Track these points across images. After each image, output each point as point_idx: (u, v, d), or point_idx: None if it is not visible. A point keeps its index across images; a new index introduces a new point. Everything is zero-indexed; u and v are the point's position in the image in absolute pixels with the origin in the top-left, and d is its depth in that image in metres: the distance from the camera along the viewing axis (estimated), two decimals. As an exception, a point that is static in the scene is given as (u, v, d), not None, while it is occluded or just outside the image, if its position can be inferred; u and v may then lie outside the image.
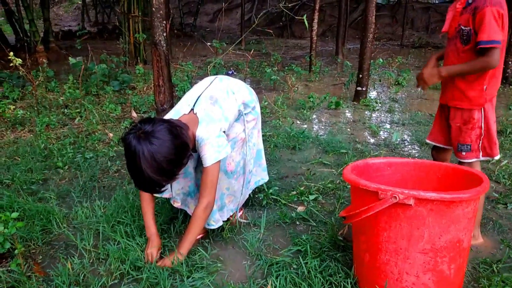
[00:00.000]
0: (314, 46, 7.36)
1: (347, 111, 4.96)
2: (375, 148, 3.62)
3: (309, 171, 3.07)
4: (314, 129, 4.24)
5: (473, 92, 1.93)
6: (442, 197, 1.51)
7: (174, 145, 1.66)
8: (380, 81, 6.68)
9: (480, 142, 1.99)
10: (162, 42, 3.40)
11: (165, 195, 2.12)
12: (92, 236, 2.09)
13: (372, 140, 3.86)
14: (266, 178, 2.48)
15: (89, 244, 2.02)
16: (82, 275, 1.81)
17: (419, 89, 2.05)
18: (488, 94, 1.94)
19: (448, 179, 1.95)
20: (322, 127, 4.31)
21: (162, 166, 1.63)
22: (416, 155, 3.48)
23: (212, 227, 2.09)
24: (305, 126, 4.30)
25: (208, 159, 1.85)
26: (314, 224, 2.35)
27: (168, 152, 1.64)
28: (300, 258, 1.92)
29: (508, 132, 3.99)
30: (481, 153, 2.02)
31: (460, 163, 2.07)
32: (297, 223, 2.37)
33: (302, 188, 2.76)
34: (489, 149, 2.01)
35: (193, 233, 1.91)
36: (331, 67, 8.20)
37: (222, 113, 1.96)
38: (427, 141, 2.28)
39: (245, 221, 2.33)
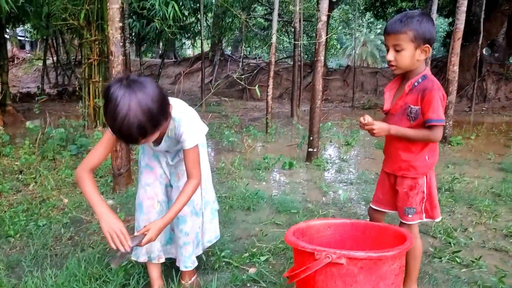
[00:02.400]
0: (269, 109, 7.79)
1: (300, 171, 5.22)
2: (324, 207, 3.84)
3: (262, 232, 3.20)
4: (269, 189, 4.43)
5: (418, 163, 2.14)
6: (369, 256, 1.70)
7: (160, 90, 1.71)
8: (331, 141, 7.11)
9: (423, 205, 2.18)
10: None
11: (140, 259, 2.24)
12: (42, 307, 2.09)
13: (322, 199, 4.09)
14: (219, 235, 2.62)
15: (37, 316, 2.02)
16: None
17: (361, 128, 2.24)
18: (430, 164, 2.17)
19: (381, 238, 2.16)
20: (276, 187, 4.52)
21: (151, 108, 1.63)
22: (362, 213, 3.72)
23: (190, 269, 2.28)
24: (260, 186, 4.49)
25: (189, 139, 1.98)
26: (264, 285, 2.45)
27: (157, 96, 1.66)
28: (248, 319, 2.00)
29: (444, 189, 4.35)
30: (424, 215, 2.20)
31: (402, 224, 2.23)
32: (248, 285, 2.46)
33: (254, 250, 2.87)
34: (431, 211, 2.19)
35: (179, 206, 1.98)
36: (286, 129, 8.63)
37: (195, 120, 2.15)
38: (373, 206, 2.38)
39: (197, 287, 2.40)
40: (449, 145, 6.94)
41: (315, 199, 4.08)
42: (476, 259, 2.74)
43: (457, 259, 2.77)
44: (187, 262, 2.28)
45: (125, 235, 1.79)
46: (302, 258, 1.83)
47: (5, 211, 3.45)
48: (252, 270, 2.62)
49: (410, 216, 2.18)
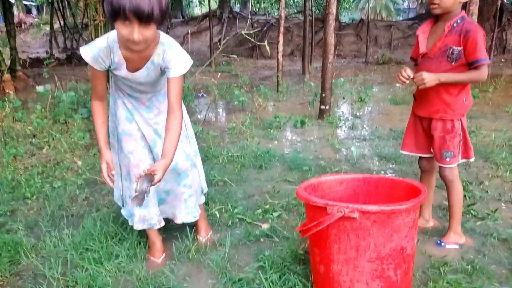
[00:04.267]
0: (280, 67, 7.62)
1: (312, 129, 5.17)
2: (337, 163, 3.80)
3: (274, 189, 3.21)
4: (280, 147, 4.40)
5: (456, 105, 2.18)
6: (382, 209, 1.67)
7: None
8: (344, 98, 6.97)
9: (460, 147, 2.25)
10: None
11: (138, 226, 2.21)
12: (61, 265, 2.15)
13: (334, 156, 4.05)
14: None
15: (57, 273, 2.08)
16: (51, 303, 1.86)
17: (408, 87, 2.24)
18: (466, 106, 2.22)
19: (394, 192, 2.12)
20: (288, 146, 4.48)
21: None
22: (375, 169, 3.68)
23: (196, 218, 2.31)
24: (272, 145, 4.46)
25: (177, 66, 1.88)
26: (278, 240, 2.47)
27: None
28: (261, 273, 2.03)
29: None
30: (460, 157, 2.27)
31: (441, 168, 2.31)
32: (261, 240, 2.49)
33: (267, 206, 2.89)
34: (467, 152, 2.28)
35: (174, 144, 1.87)
36: (298, 86, 8.48)
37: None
38: (402, 151, 2.47)
39: (210, 243, 2.43)
40: (466, 99, 6.75)
41: (328, 156, 4.05)
42: (492, 211, 2.71)
43: (472, 211, 2.74)
44: (195, 212, 2.30)
45: (109, 168, 1.96)
46: (314, 213, 1.82)
47: (21, 174, 3.51)
48: (265, 226, 2.64)
49: (448, 159, 2.24)
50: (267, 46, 4.33)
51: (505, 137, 4.48)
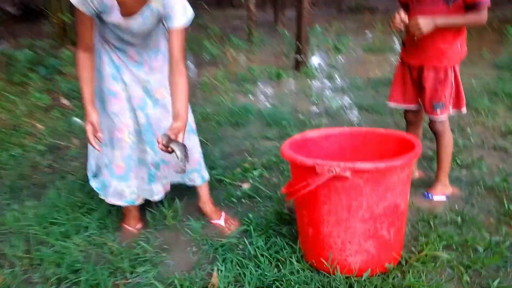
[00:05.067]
0: (252, 16, 7.22)
1: (288, 81, 4.96)
2: (316, 117, 3.65)
3: (253, 147, 3.04)
4: (257, 102, 4.20)
5: (451, 52, 2.02)
6: (376, 167, 1.53)
7: None
8: (319, 47, 6.73)
9: (451, 98, 2.11)
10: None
11: (111, 199, 2.01)
12: (23, 241, 1.94)
13: (313, 109, 3.89)
14: None
15: (20, 251, 1.88)
16: (14, 286, 1.68)
17: (399, 36, 2.03)
18: (462, 53, 2.07)
19: (384, 145, 1.98)
20: (265, 100, 4.28)
21: None
22: (355, 120, 3.55)
23: (207, 178, 2.15)
24: (248, 100, 4.25)
25: (182, 14, 1.68)
26: (260, 200, 2.33)
27: None
28: (245, 238, 1.90)
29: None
30: (451, 108, 2.13)
31: (431, 122, 2.18)
32: (243, 201, 2.35)
33: (246, 165, 2.73)
34: (458, 102, 2.13)
35: (184, 104, 1.68)
36: (271, 37, 8.12)
37: None
38: (389, 103, 2.30)
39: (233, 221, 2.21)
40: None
41: (306, 110, 3.88)
42: (477, 159, 2.65)
43: (457, 160, 2.67)
44: (202, 171, 2.13)
45: (95, 129, 1.72)
46: (301, 173, 1.66)
47: (-27, 142, 3.19)
48: (246, 186, 2.49)
49: (438, 110, 2.10)
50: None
51: (484, 83, 4.42)
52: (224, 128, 3.47)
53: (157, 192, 2.08)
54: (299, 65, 5.25)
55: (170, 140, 1.58)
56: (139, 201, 2.04)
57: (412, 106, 2.25)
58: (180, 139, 1.60)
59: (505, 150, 2.85)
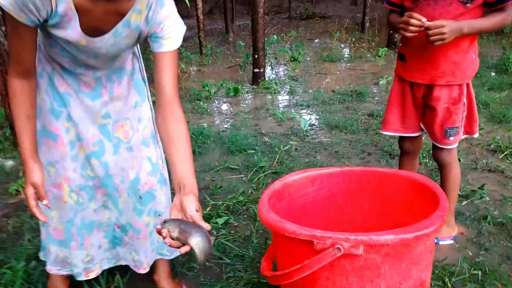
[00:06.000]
0: (202, 25, 6.71)
1: (247, 97, 4.48)
2: (285, 139, 3.19)
3: (214, 183, 2.52)
4: (214, 124, 3.68)
5: (465, 63, 1.62)
6: (403, 239, 1.07)
7: None
8: (276, 59, 6.32)
9: (463, 120, 1.72)
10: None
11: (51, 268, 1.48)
12: None
13: (279, 130, 3.43)
14: None
15: None
16: None
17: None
18: (476, 63, 1.67)
19: (387, 188, 1.55)
20: (223, 120, 3.77)
21: None
22: (327, 141, 3.13)
23: (167, 257, 1.58)
24: (204, 121, 3.71)
25: (176, 33, 1.17)
26: (229, 261, 1.82)
27: None
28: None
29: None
30: (462, 133, 1.75)
31: (439, 150, 1.77)
32: (207, 264, 1.81)
33: (208, 210, 2.20)
34: (470, 126, 1.74)
35: (190, 154, 1.12)
36: (223, 47, 7.65)
37: None
38: (385, 132, 1.87)
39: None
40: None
41: (272, 131, 3.42)
42: (479, 188, 2.29)
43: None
44: (162, 248, 1.55)
45: (38, 193, 1.17)
46: (292, 247, 1.17)
47: None
48: (209, 242, 1.96)
49: (451, 138, 1.70)
50: (187, 0, 3.47)
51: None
52: (177, 159, 2.91)
53: (124, 257, 1.54)
54: (257, 79, 4.79)
55: (182, 228, 0.93)
56: (84, 276, 1.48)
57: (413, 133, 1.84)
58: (198, 220, 0.96)
59: (502, 172, 2.53)
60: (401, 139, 1.90)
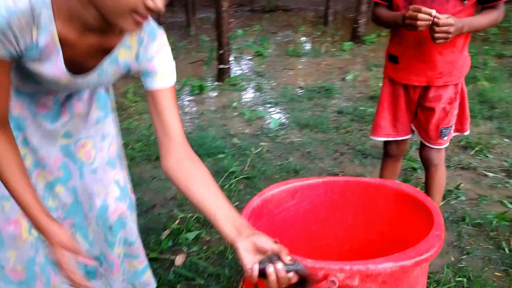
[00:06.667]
0: (162, 19, 6.42)
1: (213, 95, 4.30)
2: (254, 140, 3.06)
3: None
4: (179, 125, 3.47)
5: (460, 61, 1.57)
6: (402, 266, 0.96)
7: None
8: (241, 53, 6.15)
9: (455, 118, 1.68)
10: None
11: None
12: None
13: (248, 130, 3.29)
14: None
15: None
16: None
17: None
18: (469, 59, 1.63)
19: (370, 198, 1.45)
20: (189, 121, 3.58)
21: None
22: (297, 141, 3.03)
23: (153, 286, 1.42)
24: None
25: (170, 70, 1.06)
26: (202, 282, 1.67)
27: None
28: None
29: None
30: (452, 132, 1.71)
31: (428, 152, 1.72)
32: (179, 287, 1.66)
33: (176, 224, 2.04)
34: (462, 123, 1.70)
35: (221, 192, 0.98)
36: (185, 42, 7.37)
37: None
38: (376, 138, 1.76)
39: None
40: (364, 45, 6.46)
41: (241, 131, 3.27)
42: (455, 188, 2.26)
43: (430, 190, 2.26)
44: (134, 278, 1.37)
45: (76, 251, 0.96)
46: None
47: None
48: (179, 260, 1.81)
49: (445, 138, 1.66)
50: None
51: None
52: (139, 165, 2.71)
53: None
54: (223, 75, 4.61)
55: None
56: None
57: (405, 136, 1.76)
58: (283, 251, 0.86)
59: (474, 169, 2.52)
60: (388, 142, 1.81)
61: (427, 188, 1.80)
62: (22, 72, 0.98)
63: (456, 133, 1.73)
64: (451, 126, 1.65)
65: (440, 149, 1.70)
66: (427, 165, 1.76)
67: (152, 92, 1.04)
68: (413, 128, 1.73)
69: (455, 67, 1.55)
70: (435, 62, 1.53)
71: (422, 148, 1.74)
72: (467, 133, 1.74)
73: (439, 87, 1.58)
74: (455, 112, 1.64)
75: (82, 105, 1.21)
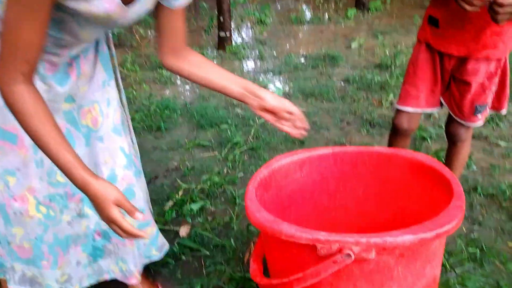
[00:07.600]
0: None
1: (214, 64, 4.17)
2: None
3: (185, 163, 2.29)
4: (180, 95, 3.39)
5: (508, 36, 1.42)
6: (422, 239, 0.90)
7: None
8: (242, 21, 5.96)
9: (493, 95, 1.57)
10: None
11: None
12: None
13: (251, 100, 3.19)
14: None
15: None
16: None
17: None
18: None
19: (382, 169, 1.39)
20: (190, 91, 3.49)
21: None
22: (302, 111, 2.93)
23: (165, 252, 1.42)
24: (168, 92, 3.41)
25: None
26: (208, 253, 1.63)
27: None
28: None
29: (390, 66, 3.71)
30: (488, 109, 1.59)
31: (457, 127, 1.62)
32: (184, 258, 1.62)
33: (180, 195, 1.99)
34: (500, 101, 1.58)
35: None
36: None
37: None
38: (404, 108, 1.62)
39: None
40: (368, 12, 6.25)
41: (243, 101, 3.17)
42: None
43: (442, 158, 2.19)
44: (150, 250, 1.36)
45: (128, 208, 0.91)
46: (290, 252, 0.99)
47: None
48: (184, 231, 1.77)
49: (479, 115, 1.55)
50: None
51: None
52: (141, 136, 2.65)
53: (108, 270, 1.31)
54: (223, 43, 4.47)
55: None
56: None
57: (431, 110, 1.65)
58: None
59: (486, 138, 2.45)
60: (399, 116, 1.68)
61: (448, 161, 1.72)
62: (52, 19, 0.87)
63: (492, 111, 1.63)
64: (487, 104, 1.53)
65: (470, 127, 1.61)
66: (454, 140, 1.67)
67: (174, 10, 1.03)
68: (442, 101, 1.63)
69: (502, 40, 1.41)
70: (481, 32, 1.39)
71: (451, 122, 1.65)
72: (504, 112, 1.62)
73: (479, 60, 1.46)
74: (494, 88, 1.52)
75: (88, 65, 1.12)
